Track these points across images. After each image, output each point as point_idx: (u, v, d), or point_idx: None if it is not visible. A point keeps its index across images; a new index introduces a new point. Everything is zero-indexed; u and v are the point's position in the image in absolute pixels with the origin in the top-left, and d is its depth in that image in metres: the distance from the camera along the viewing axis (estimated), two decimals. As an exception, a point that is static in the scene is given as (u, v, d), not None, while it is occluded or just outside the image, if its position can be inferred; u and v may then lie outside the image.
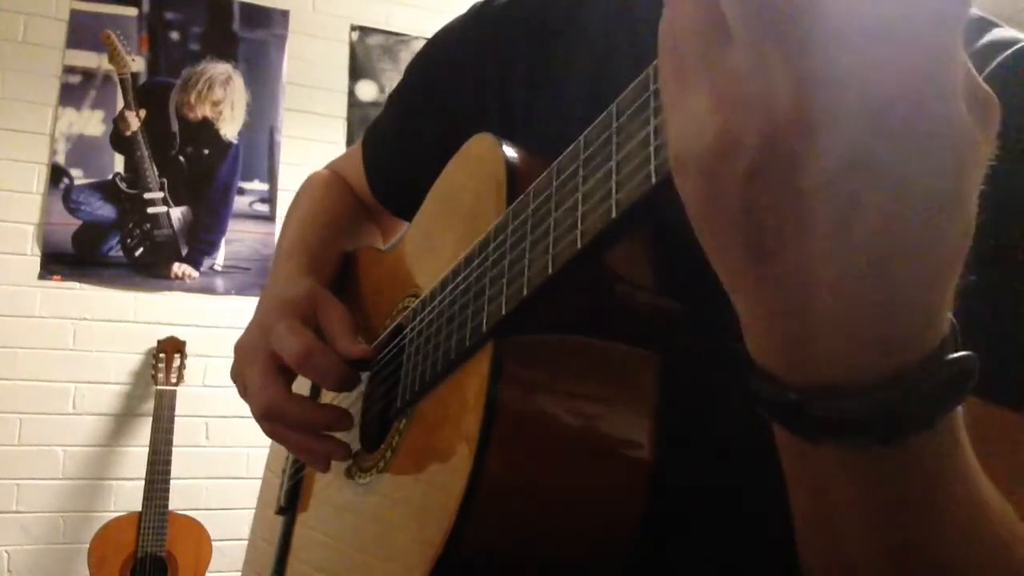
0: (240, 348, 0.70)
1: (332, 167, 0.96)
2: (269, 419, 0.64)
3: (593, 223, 0.39)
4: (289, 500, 0.80)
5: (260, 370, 0.65)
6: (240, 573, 0.96)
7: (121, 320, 2.73)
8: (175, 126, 2.90)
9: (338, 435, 0.67)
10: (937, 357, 0.28)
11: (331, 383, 0.64)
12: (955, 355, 0.28)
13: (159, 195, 2.85)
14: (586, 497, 0.45)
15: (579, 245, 0.39)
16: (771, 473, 0.36)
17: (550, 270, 0.42)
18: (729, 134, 0.26)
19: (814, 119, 0.24)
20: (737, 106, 0.25)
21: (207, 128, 2.94)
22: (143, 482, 2.43)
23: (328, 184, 0.92)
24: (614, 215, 0.37)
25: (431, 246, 0.64)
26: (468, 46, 0.74)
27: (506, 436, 0.44)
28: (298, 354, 0.62)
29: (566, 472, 0.45)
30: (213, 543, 2.48)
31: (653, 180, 0.34)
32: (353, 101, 3.12)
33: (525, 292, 0.44)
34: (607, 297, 0.48)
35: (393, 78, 3.08)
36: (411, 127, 0.80)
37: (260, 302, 0.75)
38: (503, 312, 0.45)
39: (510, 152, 0.54)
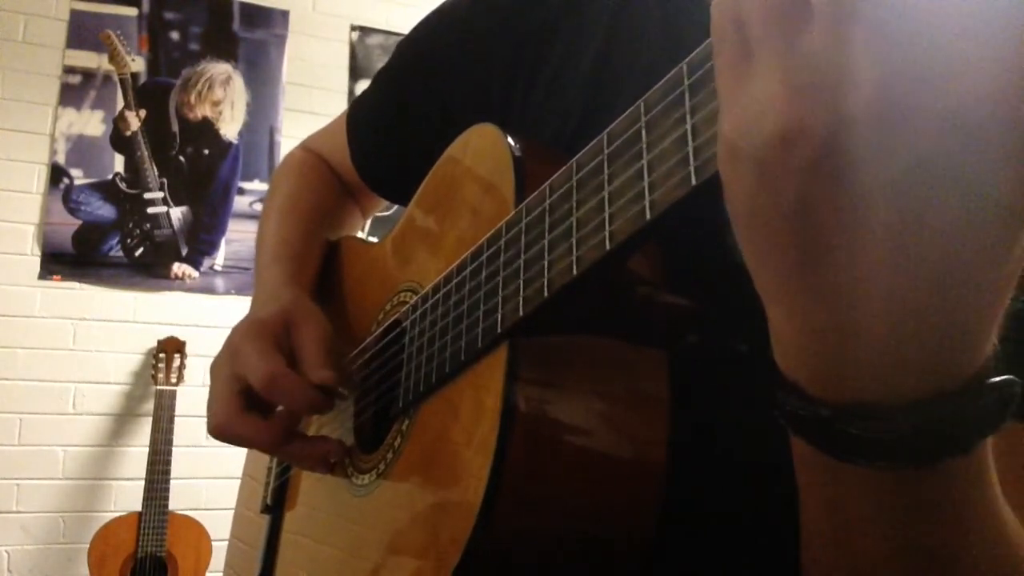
0: (211, 368, 0.69)
1: (308, 145, 0.92)
2: (219, 437, 0.63)
3: (624, 225, 0.37)
4: (276, 498, 0.79)
5: (218, 391, 0.64)
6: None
7: (121, 320, 2.72)
8: (175, 126, 2.89)
9: (331, 434, 0.66)
10: (979, 380, 0.27)
11: (299, 408, 0.62)
12: (997, 379, 0.27)
13: (159, 195, 2.84)
14: (602, 499, 0.45)
15: (608, 247, 0.38)
16: (780, 471, 0.36)
17: (574, 272, 0.40)
18: (795, 121, 0.24)
19: (892, 112, 0.23)
20: (809, 92, 0.24)
21: (207, 128, 2.93)
22: (143, 482, 2.43)
23: (305, 168, 0.89)
24: (648, 217, 0.35)
25: (429, 239, 0.62)
26: (468, 30, 0.72)
27: (524, 441, 0.43)
28: (262, 379, 0.60)
29: (583, 475, 0.44)
30: (213, 543, 2.48)
31: (694, 181, 0.32)
32: (353, 101, 3.11)
33: (546, 294, 0.42)
34: (619, 294, 0.47)
35: (393, 78, 3.07)
36: (402, 109, 0.78)
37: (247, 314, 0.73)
38: (520, 313, 0.44)
39: (516, 144, 0.52)
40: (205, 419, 0.65)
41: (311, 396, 0.61)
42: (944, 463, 0.28)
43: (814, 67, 0.24)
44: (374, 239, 0.78)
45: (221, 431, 0.63)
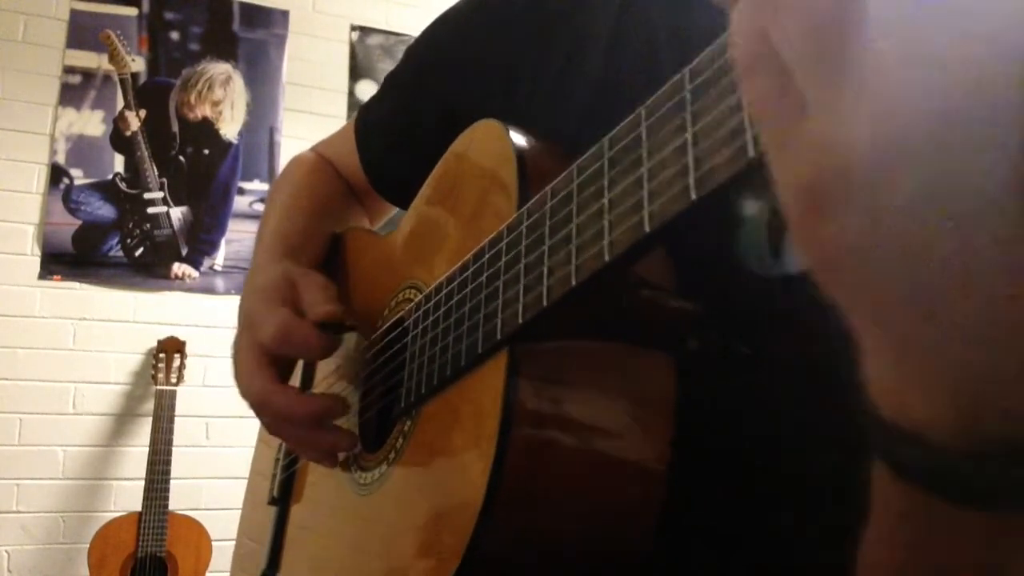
0: (234, 351, 0.69)
1: (317, 149, 0.93)
2: (259, 413, 0.63)
3: (623, 235, 0.36)
4: (282, 491, 0.79)
5: (247, 366, 0.64)
6: (240, 574, 0.95)
7: (121, 320, 2.72)
8: (175, 126, 2.89)
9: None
10: None
11: (311, 353, 0.63)
12: None
13: (159, 195, 2.84)
14: (603, 503, 0.45)
15: (607, 257, 0.37)
16: (784, 474, 0.35)
17: (573, 281, 0.40)
18: (887, 150, 0.21)
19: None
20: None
21: (207, 128, 2.93)
22: (143, 482, 2.43)
23: (312, 168, 0.89)
24: (647, 229, 0.34)
25: (432, 235, 0.62)
26: (475, 33, 0.72)
27: (523, 446, 0.43)
28: (275, 333, 0.61)
29: (583, 480, 0.44)
30: (213, 543, 2.47)
31: (693, 196, 0.31)
32: (353, 101, 3.11)
33: (545, 303, 0.42)
34: (623, 298, 0.47)
35: (393, 78, 3.07)
36: (410, 114, 0.78)
37: (240, 301, 0.72)
38: (520, 320, 0.44)
39: (519, 141, 0.52)
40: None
41: (322, 339, 0.61)
42: None
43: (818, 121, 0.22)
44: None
45: (257, 405, 0.63)
